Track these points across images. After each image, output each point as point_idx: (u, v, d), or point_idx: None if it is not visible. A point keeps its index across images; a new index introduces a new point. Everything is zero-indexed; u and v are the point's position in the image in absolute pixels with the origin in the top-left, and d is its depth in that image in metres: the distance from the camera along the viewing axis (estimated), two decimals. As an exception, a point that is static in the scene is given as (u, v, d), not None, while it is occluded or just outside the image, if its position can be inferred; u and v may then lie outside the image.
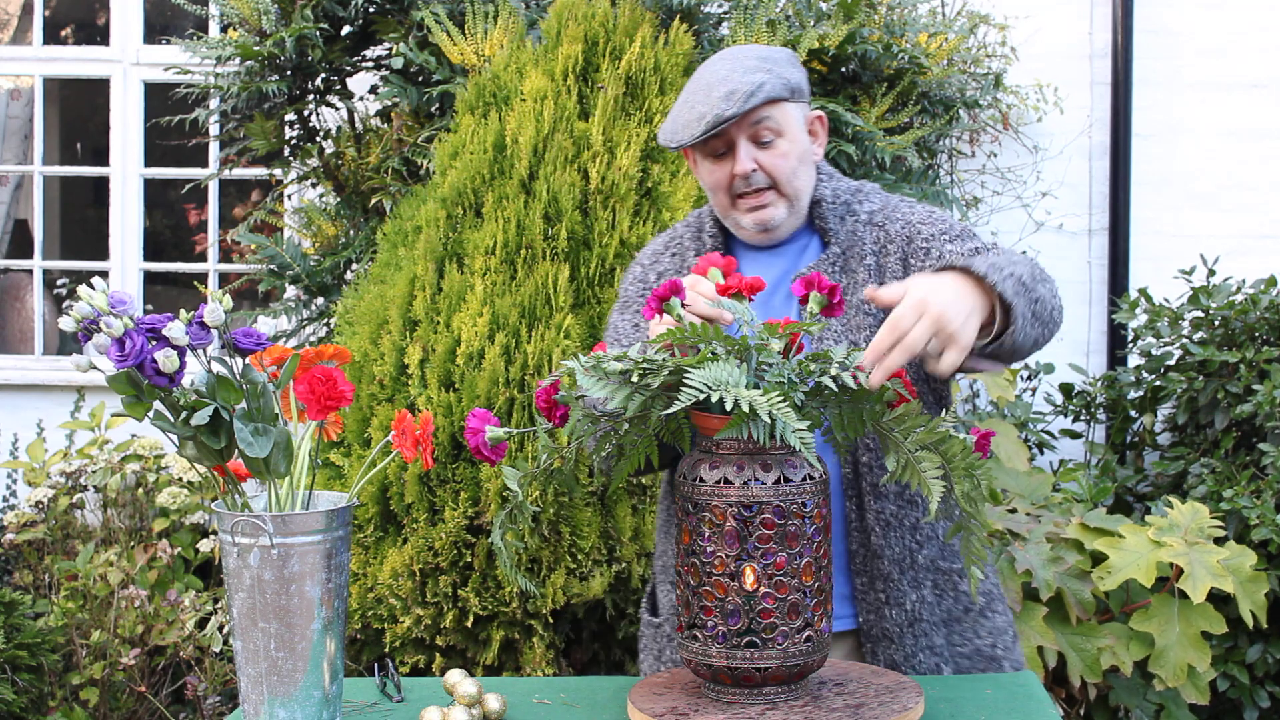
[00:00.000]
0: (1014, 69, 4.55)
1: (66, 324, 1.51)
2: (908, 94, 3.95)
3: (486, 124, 3.19)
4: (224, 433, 1.54)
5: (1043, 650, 3.18)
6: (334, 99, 4.04)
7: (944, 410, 1.96)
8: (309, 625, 1.57)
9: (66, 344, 5.70)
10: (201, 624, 3.78)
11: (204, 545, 4.03)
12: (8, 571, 4.24)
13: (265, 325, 4.41)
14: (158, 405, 1.52)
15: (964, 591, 1.95)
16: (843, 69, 3.84)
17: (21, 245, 5.72)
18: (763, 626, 1.57)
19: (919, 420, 1.60)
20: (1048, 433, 4.29)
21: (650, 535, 2.85)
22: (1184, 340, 4.06)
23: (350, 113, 4.00)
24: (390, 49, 3.88)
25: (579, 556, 2.79)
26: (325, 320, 3.90)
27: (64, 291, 5.60)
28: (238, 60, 3.83)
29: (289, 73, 3.87)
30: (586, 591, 2.80)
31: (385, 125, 3.97)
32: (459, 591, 2.81)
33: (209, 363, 1.54)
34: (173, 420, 1.53)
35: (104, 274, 5.08)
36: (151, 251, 5.66)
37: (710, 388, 1.49)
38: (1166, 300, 4.20)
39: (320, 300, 3.93)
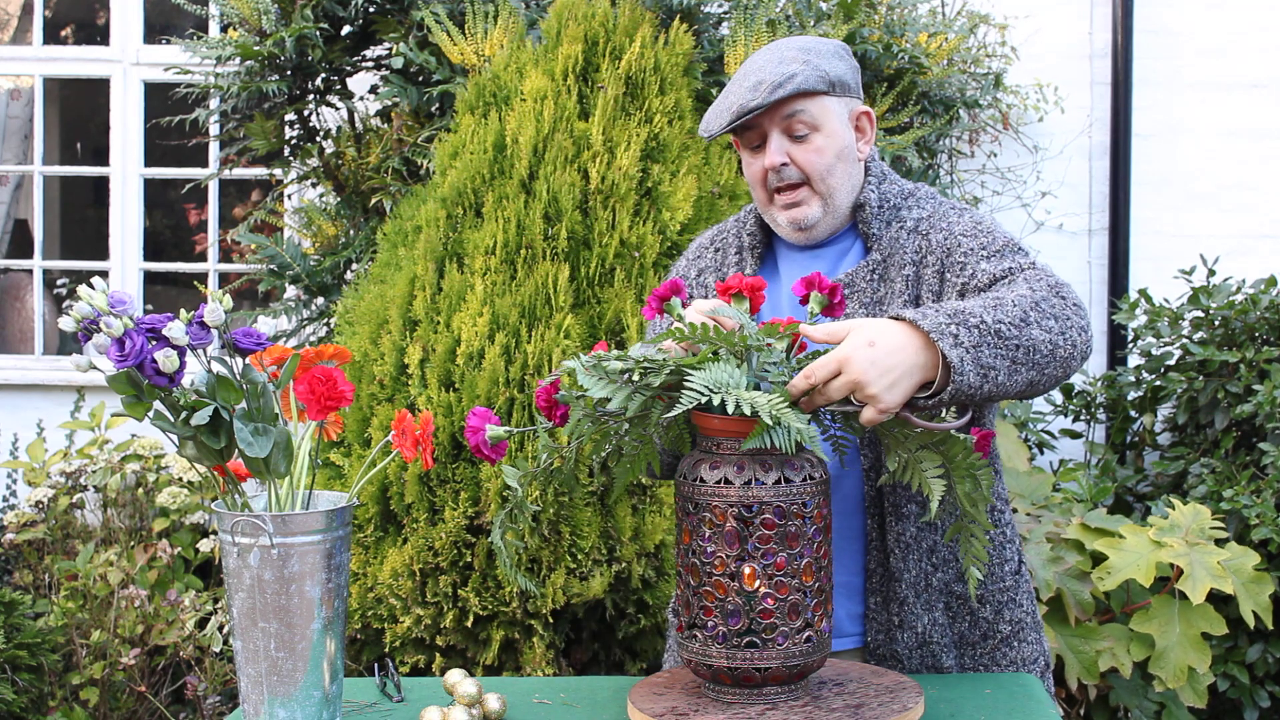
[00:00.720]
0: (1014, 69, 4.55)
1: (66, 324, 1.51)
2: (908, 94, 3.95)
3: (486, 124, 3.19)
4: (224, 433, 1.54)
5: (1043, 650, 3.18)
6: (334, 99, 4.04)
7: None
8: (309, 625, 1.57)
9: (66, 344, 5.70)
10: (201, 624, 3.78)
11: (204, 545, 4.03)
12: (8, 571, 4.24)
13: (265, 325, 4.41)
14: (158, 405, 1.52)
15: (983, 617, 1.91)
16: (843, 69, 3.83)
17: (21, 245, 5.72)
18: (763, 627, 1.57)
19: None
20: (1048, 433, 4.29)
21: (650, 535, 2.85)
22: (1184, 340, 4.06)
23: (350, 113, 4.00)
24: (390, 49, 3.88)
25: (579, 556, 2.79)
26: (325, 320, 3.90)
27: (64, 291, 5.61)
28: (238, 60, 3.83)
29: (289, 73, 3.87)
30: (586, 591, 2.80)
31: (385, 125, 3.97)
32: (459, 591, 2.81)
33: (209, 363, 1.54)
34: (173, 420, 1.53)
35: (104, 274, 5.08)
36: (151, 251, 5.66)
37: (711, 390, 1.49)
38: (1166, 300, 4.20)
39: (320, 300, 3.93)
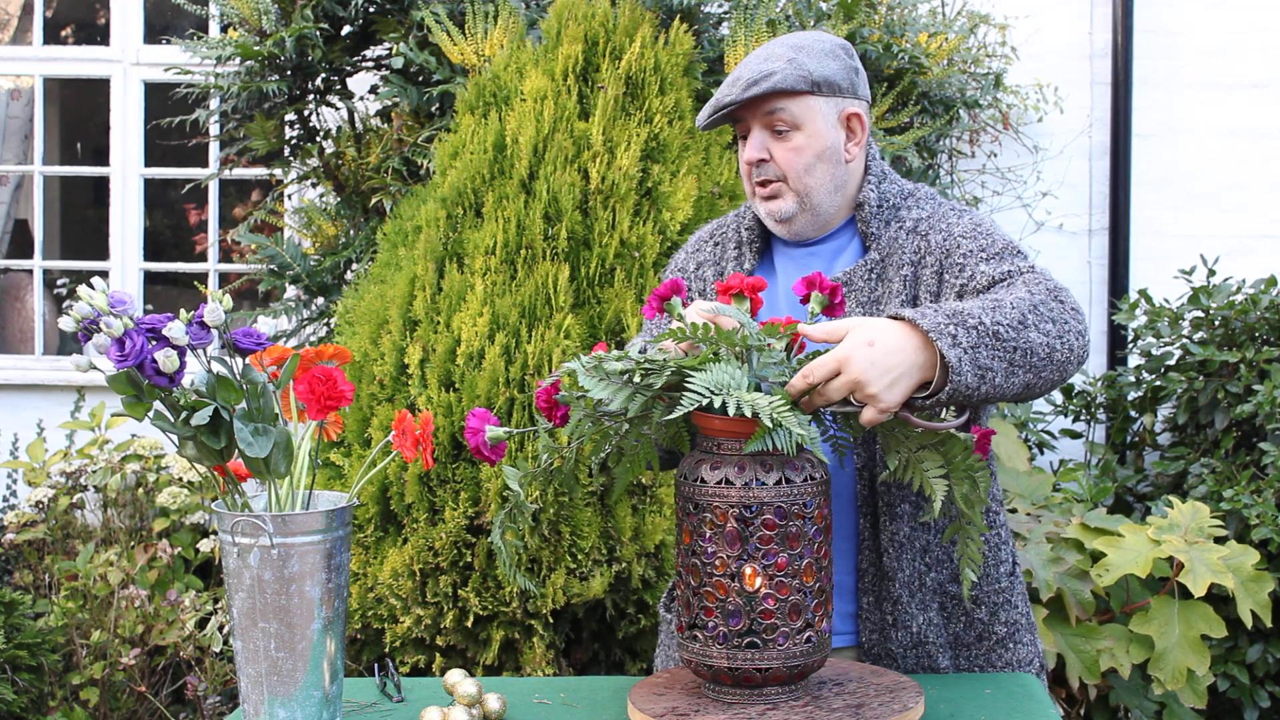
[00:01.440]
0: (1014, 69, 4.55)
1: (66, 324, 1.51)
2: (908, 94, 3.95)
3: (486, 124, 3.19)
4: (224, 433, 1.54)
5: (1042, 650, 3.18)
6: (334, 99, 4.04)
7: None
8: (309, 625, 1.57)
9: (66, 344, 5.70)
10: (201, 624, 3.78)
11: (204, 545, 4.02)
12: (8, 571, 4.24)
13: (265, 325, 4.41)
14: (158, 405, 1.52)
15: (978, 618, 1.92)
16: (843, 69, 3.83)
17: (21, 245, 5.72)
18: (764, 627, 1.57)
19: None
20: (1048, 433, 4.29)
21: (650, 535, 2.85)
22: (1184, 340, 4.06)
23: (350, 113, 4.00)
24: (390, 49, 3.88)
25: (579, 556, 2.79)
26: (325, 320, 3.90)
27: (64, 291, 5.61)
28: (238, 60, 3.83)
29: (289, 73, 3.87)
30: (586, 591, 2.80)
31: (385, 125, 3.97)
32: (459, 591, 2.81)
33: (209, 363, 1.54)
34: (173, 420, 1.53)
35: (104, 274, 5.08)
36: (151, 251, 5.66)
37: (712, 392, 1.49)
38: (1166, 300, 4.20)
39: (320, 300, 3.93)
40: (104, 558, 3.92)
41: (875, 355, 1.55)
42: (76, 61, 5.17)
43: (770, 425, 1.48)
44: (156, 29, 5.64)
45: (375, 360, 3.00)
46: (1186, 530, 3.20)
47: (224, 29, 4.30)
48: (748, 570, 1.56)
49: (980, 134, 4.61)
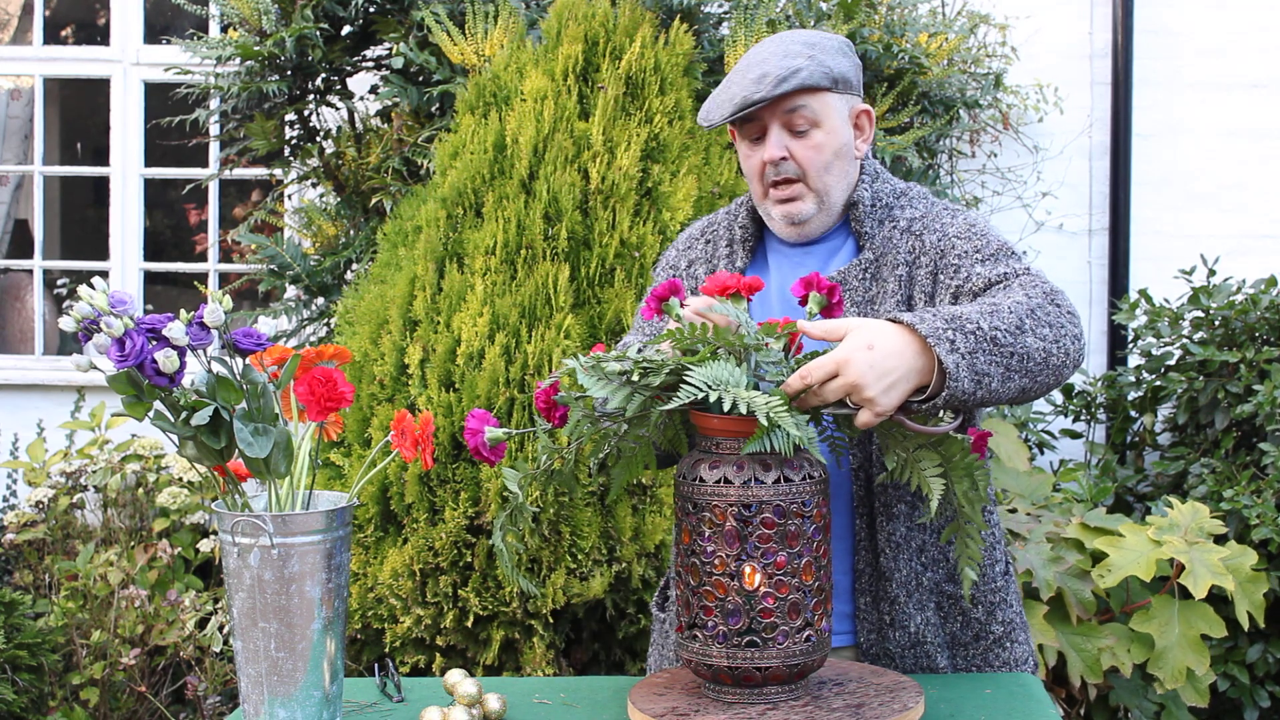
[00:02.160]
0: (1014, 69, 4.55)
1: (67, 324, 1.51)
2: (908, 94, 3.95)
3: (486, 124, 3.19)
4: (224, 433, 1.54)
5: (1043, 650, 3.18)
6: (334, 99, 4.04)
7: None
8: (309, 625, 1.57)
9: (66, 344, 5.70)
10: (201, 624, 3.78)
11: (204, 545, 4.03)
12: (8, 571, 4.25)
13: (265, 325, 4.41)
14: (158, 405, 1.52)
15: (975, 618, 1.92)
16: (843, 69, 3.83)
17: (21, 245, 5.72)
18: (763, 626, 1.57)
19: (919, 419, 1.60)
20: (1048, 433, 4.29)
21: (650, 535, 2.85)
22: (1184, 340, 4.06)
23: (350, 113, 4.00)
24: (390, 49, 3.88)
25: (579, 556, 2.79)
26: (325, 320, 3.90)
27: (64, 291, 5.61)
28: (238, 60, 3.83)
29: (289, 73, 3.87)
30: (587, 591, 2.80)
31: (385, 125, 3.97)
32: (459, 591, 2.81)
33: (209, 363, 1.54)
34: (173, 420, 1.53)
35: (104, 274, 5.08)
36: (151, 251, 5.66)
37: (710, 386, 1.49)
38: (1167, 300, 4.20)
39: (320, 300, 3.93)
40: (104, 558, 3.92)
41: (874, 358, 1.54)
42: (76, 61, 5.17)
43: (767, 424, 1.48)
44: (156, 29, 5.65)
45: (375, 360, 3.00)
46: (1186, 530, 3.20)
47: (224, 29, 4.31)
48: (747, 569, 1.56)
49: (980, 134, 4.61)
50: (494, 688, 1.82)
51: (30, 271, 5.33)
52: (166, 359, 1.47)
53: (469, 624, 2.81)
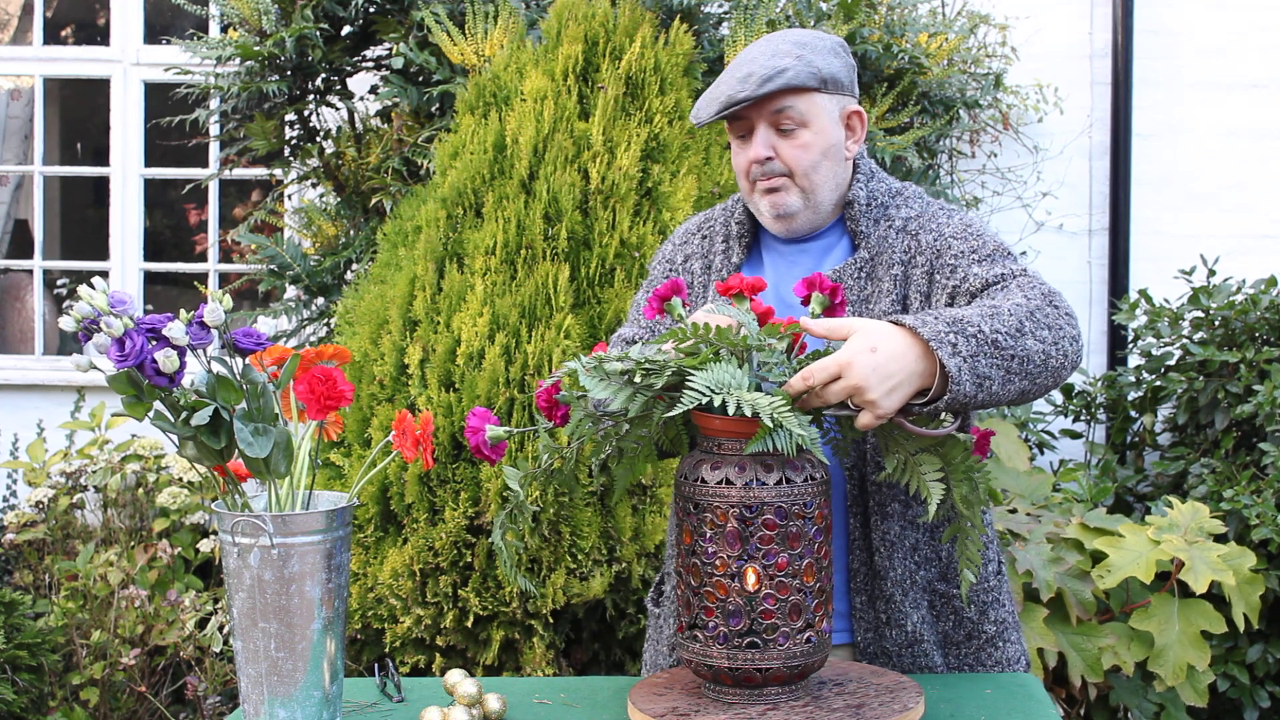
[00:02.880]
0: (1014, 69, 4.55)
1: (67, 324, 1.51)
2: (908, 94, 3.95)
3: (486, 124, 3.19)
4: (224, 433, 1.54)
5: (1043, 651, 3.18)
6: (334, 99, 4.04)
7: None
8: (309, 625, 1.57)
9: (66, 344, 5.70)
10: (201, 624, 3.78)
11: (204, 545, 4.02)
12: (8, 571, 4.24)
13: (265, 325, 4.41)
14: (158, 405, 1.52)
15: (967, 617, 1.92)
16: (843, 69, 3.83)
17: (21, 245, 5.72)
18: (764, 627, 1.57)
19: (920, 422, 1.60)
20: (1048, 433, 4.29)
21: (650, 536, 2.85)
22: (1184, 340, 4.06)
23: (350, 113, 4.00)
24: (390, 49, 3.88)
25: (579, 556, 2.79)
26: (325, 320, 3.90)
27: (64, 291, 5.61)
28: (238, 60, 3.83)
29: (289, 73, 3.87)
30: (587, 591, 2.80)
31: (385, 125, 3.97)
32: (459, 591, 2.81)
33: (209, 363, 1.54)
34: (173, 420, 1.53)
35: (104, 274, 5.08)
36: (151, 251, 5.66)
37: (712, 391, 1.49)
38: (1166, 300, 4.20)
39: (320, 300, 3.93)
40: (104, 558, 3.92)
41: (877, 361, 1.54)
42: (76, 61, 5.17)
43: (771, 425, 1.48)
44: (156, 29, 5.64)
45: (375, 360, 3.00)
46: (1186, 530, 3.20)
47: (224, 29, 4.30)
48: (748, 570, 1.56)
49: (980, 134, 4.60)
50: (494, 688, 1.82)
51: (30, 271, 5.33)
52: (166, 359, 1.47)
53: (469, 624, 2.81)
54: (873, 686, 1.68)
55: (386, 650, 2.90)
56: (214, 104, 3.99)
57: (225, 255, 5.18)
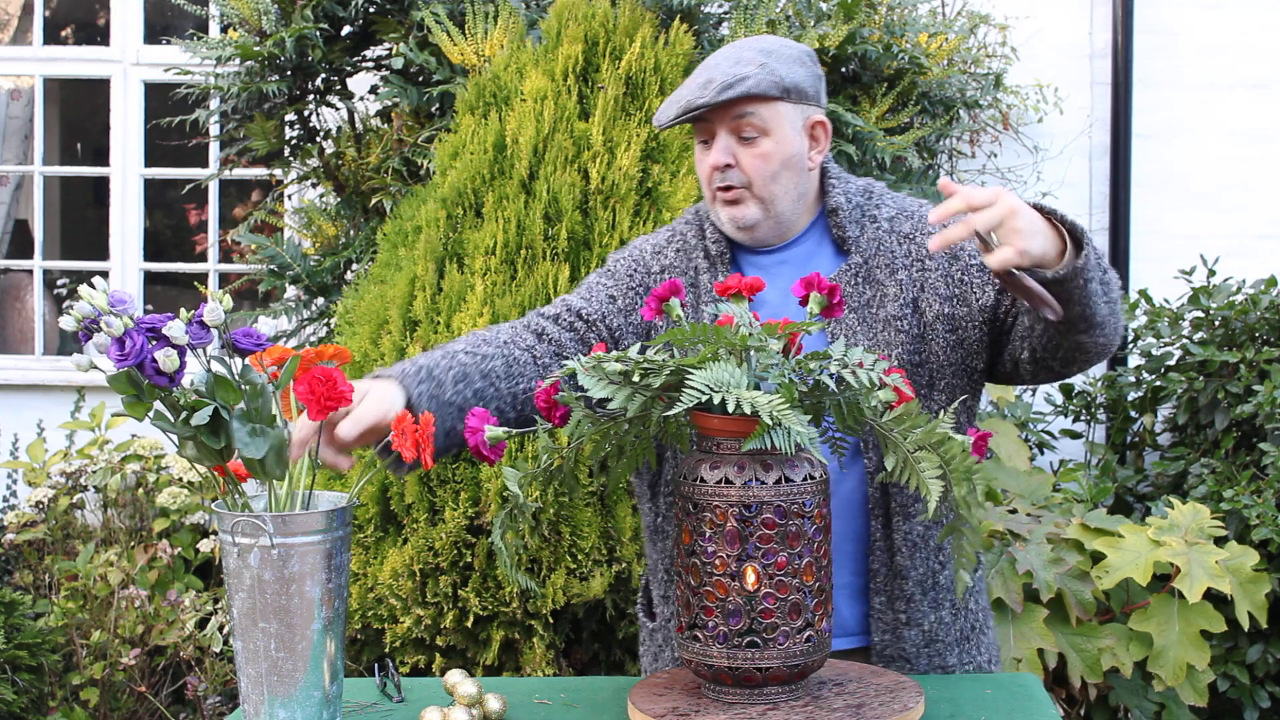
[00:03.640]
0: (1014, 69, 4.55)
1: (67, 324, 1.51)
2: (908, 94, 3.95)
3: (486, 124, 3.19)
4: (224, 433, 1.54)
5: (1043, 651, 3.18)
6: (334, 99, 4.04)
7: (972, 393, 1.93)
8: (309, 625, 1.57)
9: (66, 344, 5.70)
10: (201, 624, 3.78)
11: (204, 545, 4.03)
12: (8, 571, 4.24)
13: (265, 325, 4.41)
14: (158, 405, 1.52)
15: (973, 610, 1.94)
16: (843, 69, 3.84)
17: (21, 245, 5.72)
18: (764, 626, 1.57)
19: (918, 420, 1.60)
20: (1048, 433, 4.29)
21: (650, 535, 2.85)
22: (1184, 340, 4.06)
23: (350, 113, 4.00)
24: (390, 49, 3.88)
25: (579, 556, 2.79)
26: (325, 320, 3.90)
27: (64, 291, 5.61)
28: (238, 60, 3.83)
29: (289, 73, 3.87)
30: (587, 591, 2.80)
31: (385, 125, 3.97)
32: (459, 591, 2.81)
33: (209, 363, 1.54)
34: (173, 420, 1.53)
35: (104, 274, 5.08)
36: (151, 251, 5.66)
37: (712, 389, 1.49)
38: (1167, 300, 4.20)
39: (320, 300, 3.93)
40: (104, 558, 3.92)
41: (1028, 210, 1.58)
42: (76, 61, 5.17)
43: (770, 423, 1.48)
44: (156, 29, 5.64)
45: (375, 360, 3.00)
46: (1186, 531, 3.20)
47: (224, 29, 4.30)
48: (748, 570, 1.56)
49: (980, 134, 4.61)
50: (494, 688, 1.82)
51: (30, 271, 5.33)
52: (166, 358, 1.47)
53: (469, 624, 2.81)
54: (873, 686, 1.68)
55: (386, 650, 2.90)
56: (214, 104, 3.99)
57: (225, 255, 5.18)
